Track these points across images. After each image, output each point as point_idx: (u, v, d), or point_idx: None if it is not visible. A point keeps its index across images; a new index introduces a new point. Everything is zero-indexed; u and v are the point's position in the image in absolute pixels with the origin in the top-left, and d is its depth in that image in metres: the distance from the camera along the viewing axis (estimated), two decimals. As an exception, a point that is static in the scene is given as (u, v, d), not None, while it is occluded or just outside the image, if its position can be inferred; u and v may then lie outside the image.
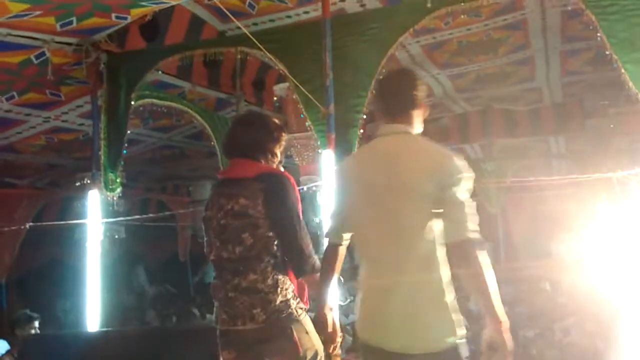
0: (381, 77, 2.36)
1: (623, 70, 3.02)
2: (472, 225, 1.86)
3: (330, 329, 2.27)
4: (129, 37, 4.56)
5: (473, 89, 6.61)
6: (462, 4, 3.35)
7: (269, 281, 2.22)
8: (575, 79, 6.49)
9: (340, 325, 3.23)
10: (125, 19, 4.02)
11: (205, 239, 2.39)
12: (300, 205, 2.35)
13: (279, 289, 2.23)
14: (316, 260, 2.32)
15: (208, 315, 8.47)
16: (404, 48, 5.08)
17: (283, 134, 2.48)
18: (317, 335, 2.30)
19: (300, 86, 3.57)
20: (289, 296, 2.26)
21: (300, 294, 2.33)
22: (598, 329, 5.58)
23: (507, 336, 1.86)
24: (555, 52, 5.62)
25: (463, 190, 1.88)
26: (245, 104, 5.97)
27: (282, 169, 2.48)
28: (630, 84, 3.01)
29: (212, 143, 5.91)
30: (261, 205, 2.23)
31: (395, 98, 2.07)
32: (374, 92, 2.21)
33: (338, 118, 3.42)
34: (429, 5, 3.38)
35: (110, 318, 5.14)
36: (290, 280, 2.31)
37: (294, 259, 2.29)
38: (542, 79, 6.41)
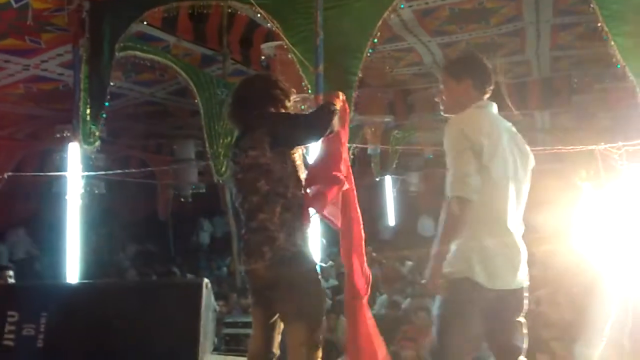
0: (468, 52, 2.57)
1: (612, 43, 2.99)
2: None
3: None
4: (113, -16, 4.38)
5: (463, 58, 6.56)
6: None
7: (276, 219, 2.28)
8: (564, 53, 6.48)
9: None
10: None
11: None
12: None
13: (284, 228, 2.27)
14: (315, 114, 2.44)
15: (188, 275, 8.52)
16: (396, 12, 4.99)
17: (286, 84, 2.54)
18: (321, 288, 2.38)
19: (292, 47, 3.47)
20: (296, 237, 2.30)
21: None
22: (568, 301, 5.73)
23: None
24: (546, 25, 5.57)
25: None
26: (232, 62, 5.85)
27: None
28: (619, 56, 2.99)
29: (196, 100, 5.79)
30: (268, 148, 2.27)
31: (487, 74, 2.35)
32: (464, 64, 2.41)
33: (332, 79, 3.32)
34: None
35: (91, 274, 5.11)
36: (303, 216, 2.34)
37: (303, 136, 2.38)
38: (532, 52, 6.38)
